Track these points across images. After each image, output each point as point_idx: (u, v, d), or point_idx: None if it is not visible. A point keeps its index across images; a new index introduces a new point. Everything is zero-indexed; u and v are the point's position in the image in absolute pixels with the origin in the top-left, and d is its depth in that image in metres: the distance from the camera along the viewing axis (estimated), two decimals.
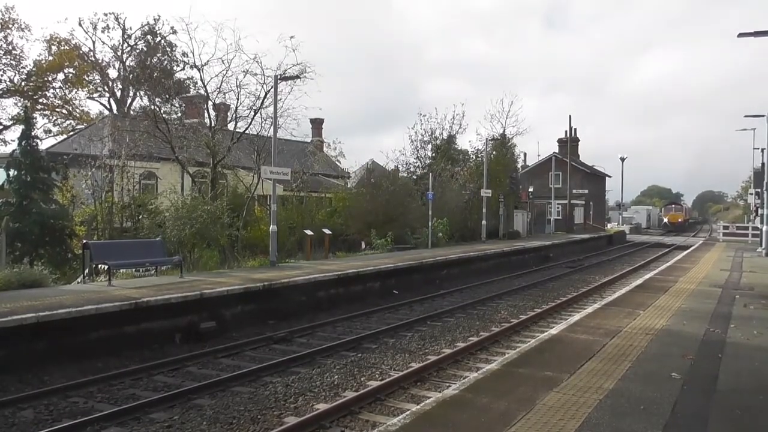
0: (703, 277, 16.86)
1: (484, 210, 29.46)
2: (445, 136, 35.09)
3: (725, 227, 44.26)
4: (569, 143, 45.39)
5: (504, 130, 36.08)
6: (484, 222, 29.51)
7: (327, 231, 21.27)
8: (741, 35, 17.75)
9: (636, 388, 6.20)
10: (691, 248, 31.31)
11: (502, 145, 35.13)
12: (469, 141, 76.81)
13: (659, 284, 14.99)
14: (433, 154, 34.47)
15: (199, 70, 21.03)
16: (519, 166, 42.51)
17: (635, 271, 23.13)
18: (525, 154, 49.17)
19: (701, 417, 5.46)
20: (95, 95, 43.97)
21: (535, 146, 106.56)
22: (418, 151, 34.66)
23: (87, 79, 43.02)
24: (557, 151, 48.58)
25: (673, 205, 75.59)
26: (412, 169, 34.32)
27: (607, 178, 56.46)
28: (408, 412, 5.63)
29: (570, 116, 49.12)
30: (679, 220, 68.29)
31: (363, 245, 24.55)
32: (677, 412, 5.54)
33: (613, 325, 9.49)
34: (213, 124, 21.83)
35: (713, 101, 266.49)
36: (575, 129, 50.03)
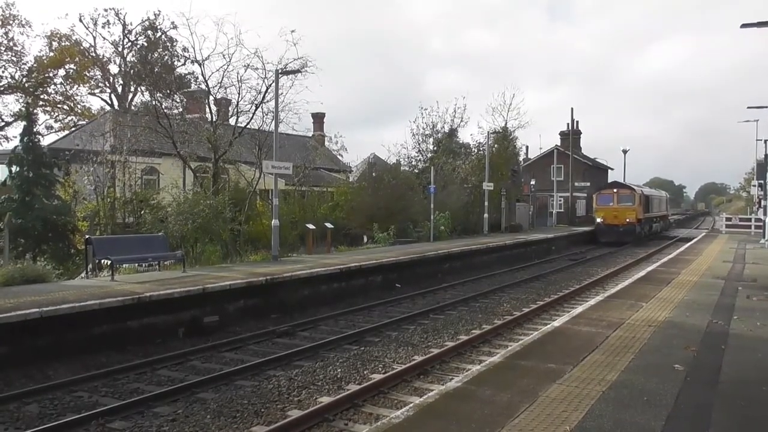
0: (706, 268, 16.84)
1: (486, 203, 29.45)
2: (446, 129, 35.04)
3: (728, 219, 44.15)
4: (571, 136, 45.26)
5: (506, 123, 36.03)
6: (485, 215, 29.50)
7: (329, 225, 21.27)
8: (744, 26, 17.63)
9: (639, 380, 6.20)
10: (694, 240, 31.27)
11: (503, 138, 35.07)
12: (471, 134, 76.66)
13: (662, 276, 14.98)
14: (435, 148, 34.42)
15: (200, 64, 21.01)
16: (521, 159, 42.43)
17: (637, 264, 23.10)
18: (527, 147, 49.11)
19: (705, 408, 5.46)
20: (96, 91, 43.99)
21: (536, 139, 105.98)
22: (419, 144, 34.64)
23: (88, 74, 43.01)
24: (559, 143, 48.47)
25: (615, 190, 35.33)
26: (413, 163, 34.28)
27: (609, 170, 56.32)
28: (411, 405, 5.64)
29: (572, 108, 48.89)
30: (628, 219, 33.59)
31: (365, 239, 24.56)
32: (680, 403, 5.54)
33: (616, 317, 9.49)
34: (214, 119, 21.79)
35: (718, 92, 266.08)
36: (577, 122, 49.83)
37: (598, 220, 34.81)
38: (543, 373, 6.45)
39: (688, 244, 28.63)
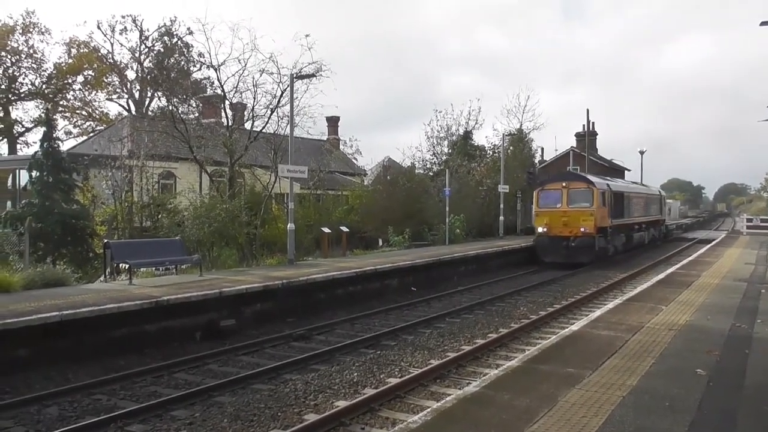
0: (727, 271, 16.56)
1: (501, 206, 29.29)
2: (461, 132, 35.05)
3: (749, 220, 43.42)
4: (587, 137, 44.88)
5: (521, 125, 35.97)
6: (501, 218, 29.33)
7: (344, 228, 21.29)
8: (763, 24, 17.39)
9: (660, 385, 6.10)
10: (714, 242, 30.81)
11: (519, 140, 34.96)
12: (486, 136, 76.37)
13: (681, 279, 14.76)
14: (450, 151, 34.39)
15: (215, 70, 21.17)
16: (536, 161, 42.22)
17: (656, 266, 22.79)
18: (542, 149, 48.79)
19: (729, 414, 5.35)
20: (114, 97, 44.65)
21: (552, 141, 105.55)
22: (434, 147, 34.65)
23: (106, 80, 43.66)
24: (575, 145, 48.11)
25: (564, 184, 23.51)
26: (428, 166, 34.28)
27: (626, 171, 55.72)
28: (429, 410, 5.59)
29: (588, 110, 48.66)
30: (583, 229, 22.47)
31: (380, 242, 24.55)
32: (704, 408, 5.43)
33: (636, 321, 9.35)
34: (230, 124, 21.95)
35: (737, 91, 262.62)
36: (593, 123, 49.43)
37: (540, 229, 23.48)
38: (562, 378, 6.36)
39: (708, 246, 28.20)
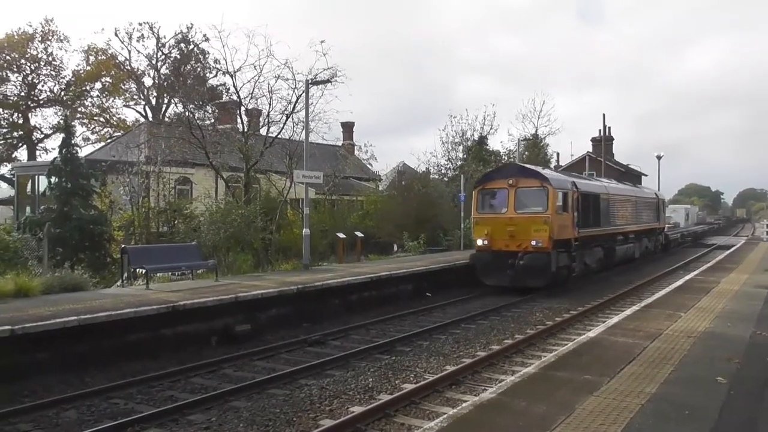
0: (747, 277, 16.31)
1: None
2: (476, 137, 34.95)
3: None
4: (603, 142, 44.57)
5: (536, 130, 35.82)
6: None
7: (359, 234, 21.32)
8: None
9: (680, 393, 6.01)
10: (733, 248, 30.37)
11: (534, 145, 34.83)
12: (501, 142, 75.80)
13: (700, 285, 14.56)
14: (464, 156, 34.31)
15: (231, 76, 21.31)
16: (552, 166, 41.96)
17: (674, 272, 22.49)
18: (558, 154, 48.52)
19: (750, 423, 5.26)
20: (131, 103, 45.23)
21: (568, 146, 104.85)
22: (449, 152, 34.60)
23: (123, 87, 44.25)
24: (591, 150, 47.81)
25: (510, 182, 16.98)
26: (443, 171, 34.24)
27: (643, 177, 55.18)
28: (445, 416, 5.56)
29: (604, 115, 48.35)
30: (534, 241, 16.26)
31: (395, 248, 24.56)
32: (724, 417, 5.34)
33: (654, 328, 9.24)
34: (246, 130, 22.09)
35: (757, 94, 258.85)
36: (609, 127, 49.14)
37: (480, 241, 17.80)
38: (579, 385, 6.30)
39: (727, 252, 27.83)
